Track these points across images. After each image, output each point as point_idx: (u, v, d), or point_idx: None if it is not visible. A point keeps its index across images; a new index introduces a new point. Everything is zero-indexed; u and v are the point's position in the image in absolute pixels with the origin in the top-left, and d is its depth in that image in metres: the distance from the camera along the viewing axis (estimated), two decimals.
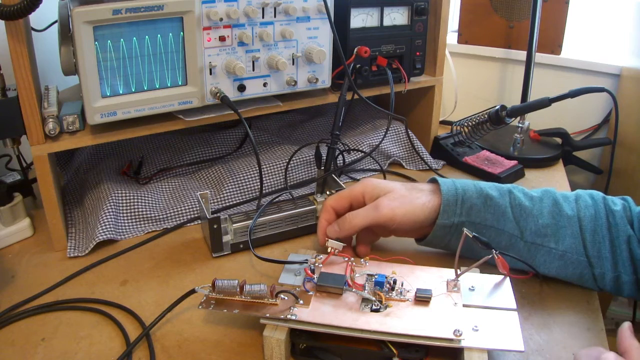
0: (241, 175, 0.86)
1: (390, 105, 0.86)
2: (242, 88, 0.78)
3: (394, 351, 0.52)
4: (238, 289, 0.56)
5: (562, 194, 0.66)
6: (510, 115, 0.95)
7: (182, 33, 0.71)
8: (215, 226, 0.70)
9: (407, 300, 0.56)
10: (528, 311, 0.62)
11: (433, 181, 0.69)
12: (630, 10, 1.24)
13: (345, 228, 0.66)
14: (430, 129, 1.05)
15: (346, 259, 0.62)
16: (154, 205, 0.81)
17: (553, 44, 1.26)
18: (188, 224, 0.81)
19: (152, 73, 0.72)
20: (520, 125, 1.04)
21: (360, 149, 0.97)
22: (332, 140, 0.81)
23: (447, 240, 0.67)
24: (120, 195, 0.79)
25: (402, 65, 0.93)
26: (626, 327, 0.46)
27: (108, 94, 0.70)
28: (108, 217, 0.76)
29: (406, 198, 0.66)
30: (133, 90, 0.71)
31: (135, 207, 0.80)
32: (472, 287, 0.58)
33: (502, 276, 0.60)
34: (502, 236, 0.65)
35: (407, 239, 0.72)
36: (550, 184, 0.97)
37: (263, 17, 0.76)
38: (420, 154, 1.01)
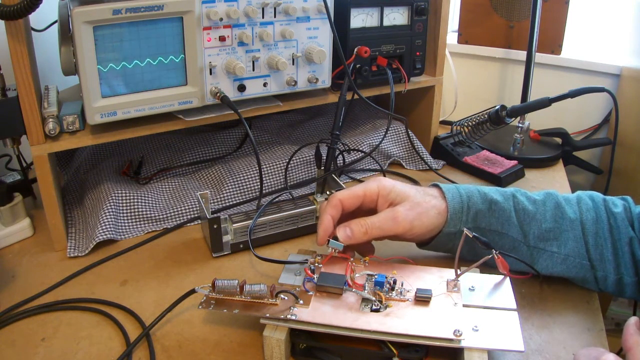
0: (241, 175, 0.86)
1: (390, 105, 0.86)
2: (242, 88, 0.78)
3: (394, 351, 0.52)
4: (238, 289, 0.56)
5: (564, 197, 0.66)
6: (510, 115, 0.95)
7: (182, 33, 0.71)
8: (215, 226, 0.70)
9: (407, 300, 0.56)
10: (528, 311, 0.62)
11: (435, 186, 0.68)
12: (630, 10, 1.24)
13: (360, 238, 0.61)
14: (430, 129, 1.05)
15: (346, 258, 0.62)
16: (154, 205, 0.81)
17: (553, 44, 1.26)
18: (188, 224, 0.81)
19: (152, 73, 0.72)
20: (520, 125, 1.04)
21: (360, 149, 0.97)
22: (332, 140, 0.81)
23: (451, 245, 0.67)
24: (120, 195, 0.79)
25: (402, 65, 0.93)
26: (632, 322, 0.45)
27: (108, 94, 0.70)
28: (108, 217, 0.76)
29: (422, 207, 0.64)
30: (133, 90, 0.71)
31: (135, 207, 0.79)
32: (472, 287, 0.58)
33: (502, 276, 0.60)
34: (505, 240, 0.65)
35: None
36: (551, 184, 0.97)
37: (263, 17, 0.76)
38: (420, 154, 1.01)
